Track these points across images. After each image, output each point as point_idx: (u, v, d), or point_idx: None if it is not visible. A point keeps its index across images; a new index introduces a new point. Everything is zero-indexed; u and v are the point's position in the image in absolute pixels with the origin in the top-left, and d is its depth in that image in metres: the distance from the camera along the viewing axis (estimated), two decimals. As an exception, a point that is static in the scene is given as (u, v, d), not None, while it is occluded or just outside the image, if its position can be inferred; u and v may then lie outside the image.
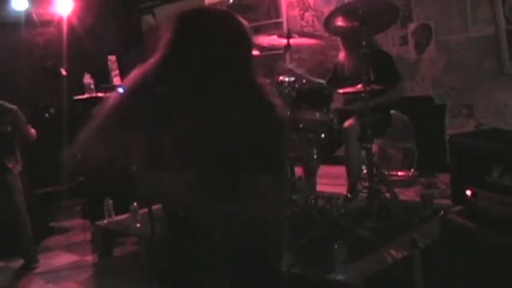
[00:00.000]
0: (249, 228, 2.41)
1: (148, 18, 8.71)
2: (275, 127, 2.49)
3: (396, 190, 4.97)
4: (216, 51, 2.43)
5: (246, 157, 2.39)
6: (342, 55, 5.59)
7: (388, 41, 6.40)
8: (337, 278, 3.63)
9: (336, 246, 3.81)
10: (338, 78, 5.48)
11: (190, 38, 2.42)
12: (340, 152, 5.43)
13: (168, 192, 2.48)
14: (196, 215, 2.41)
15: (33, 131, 6.09)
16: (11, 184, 5.88)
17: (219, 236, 2.41)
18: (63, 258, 6.15)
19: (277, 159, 2.52)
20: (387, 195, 4.84)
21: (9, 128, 5.86)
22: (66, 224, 7.40)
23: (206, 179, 2.37)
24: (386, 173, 5.39)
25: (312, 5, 7.30)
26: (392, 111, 5.63)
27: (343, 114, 5.15)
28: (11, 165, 5.86)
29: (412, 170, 6.02)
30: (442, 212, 3.69)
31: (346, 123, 5.08)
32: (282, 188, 2.60)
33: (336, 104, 5.25)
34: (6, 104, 5.95)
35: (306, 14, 7.35)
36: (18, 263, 6.05)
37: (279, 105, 2.54)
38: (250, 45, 2.57)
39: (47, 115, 7.31)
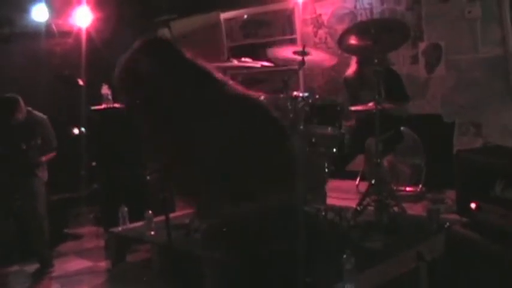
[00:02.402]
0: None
1: (164, 32, 8.88)
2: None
3: (404, 205, 5.10)
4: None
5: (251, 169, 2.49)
6: (350, 71, 5.76)
7: (399, 59, 6.52)
8: (345, 287, 3.71)
9: (344, 256, 3.90)
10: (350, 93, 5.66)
11: None
12: (351, 167, 5.57)
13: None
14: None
15: (54, 153, 6.26)
16: (37, 191, 6.04)
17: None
18: (77, 264, 6.27)
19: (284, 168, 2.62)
20: (395, 209, 4.97)
21: (39, 141, 6.03)
22: (79, 230, 7.51)
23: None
24: (395, 188, 5.50)
25: (325, 23, 7.43)
26: (402, 128, 5.77)
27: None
28: (40, 174, 6.03)
29: (420, 186, 6.13)
30: (447, 224, 3.80)
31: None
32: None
33: (348, 119, 5.39)
34: (35, 112, 6.12)
35: (320, 31, 7.48)
36: (33, 267, 6.17)
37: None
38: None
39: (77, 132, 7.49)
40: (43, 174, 6.13)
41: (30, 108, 6.12)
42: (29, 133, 6.00)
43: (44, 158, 6.10)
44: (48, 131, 6.15)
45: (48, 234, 6.20)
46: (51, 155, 6.23)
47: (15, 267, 6.24)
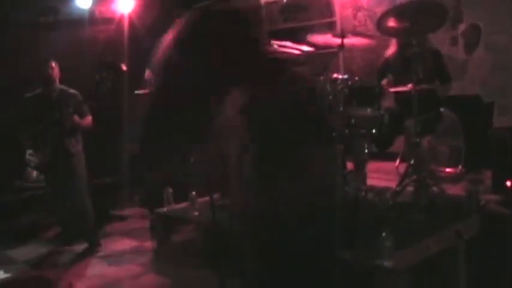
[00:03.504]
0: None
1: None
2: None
3: (443, 186, 5.15)
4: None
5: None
6: (390, 51, 5.81)
7: (438, 41, 6.54)
8: (384, 264, 3.80)
9: (383, 234, 3.98)
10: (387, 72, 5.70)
11: None
12: (392, 148, 5.62)
13: None
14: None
15: (90, 119, 6.42)
16: (74, 168, 6.24)
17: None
18: (124, 244, 6.48)
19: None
20: (434, 189, 5.03)
21: (71, 110, 6.20)
22: (125, 212, 7.73)
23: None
24: (434, 168, 5.55)
25: (364, 5, 7.46)
26: (442, 109, 5.81)
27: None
28: (72, 148, 6.23)
29: (460, 167, 6.15)
30: (483, 202, 3.85)
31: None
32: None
33: (387, 101, 5.45)
34: (68, 89, 6.34)
35: (359, 13, 7.51)
36: (80, 247, 6.41)
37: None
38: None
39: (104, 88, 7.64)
40: (76, 147, 6.31)
41: (63, 87, 6.34)
42: (61, 104, 6.20)
43: (77, 119, 6.25)
44: (81, 103, 6.34)
45: (93, 214, 6.39)
46: (86, 120, 6.39)
47: (64, 247, 6.49)
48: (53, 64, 6.25)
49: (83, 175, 6.36)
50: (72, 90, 6.37)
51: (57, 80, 6.30)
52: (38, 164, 6.41)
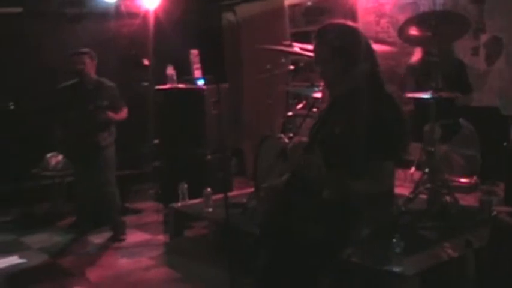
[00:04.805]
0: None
1: (228, 16, 9.05)
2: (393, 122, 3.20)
3: (457, 195, 5.16)
4: None
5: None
6: (415, 58, 5.84)
7: (459, 50, 6.54)
8: (393, 269, 3.83)
9: (394, 240, 4.02)
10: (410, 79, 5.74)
11: None
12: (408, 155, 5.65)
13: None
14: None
15: (125, 111, 6.52)
16: (105, 159, 6.36)
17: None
18: (137, 236, 6.53)
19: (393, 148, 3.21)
20: (448, 198, 5.06)
21: (106, 103, 6.29)
22: (140, 205, 7.79)
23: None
24: (448, 178, 5.57)
25: (387, 12, 7.47)
26: (459, 119, 5.82)
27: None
28: (103, 141, 6.33)
29: (474, 177, 6.15)
30: (494, 212, 3.88)
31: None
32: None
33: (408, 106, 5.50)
34: (105, 80, 6.43)
35: (381, 20, 7.52)
36: (95, 237, 6.52)
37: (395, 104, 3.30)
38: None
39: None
40: (109, 141, 6.42)
41: (101, 78, 6.43)
42: (96, 96, 6.29)
43: (111, 114, 6.36)
44: (116, 96, 6.43)
45: (120, 204, 6.56)
46: (121, 113, 6.48)
47: (79, 236, 6.58)
48: (88, 55, 6.32)
49: (113, 166, 6.49)
50: (109, 83, 6.46)
51: (93, 72, 6.38)
52: (66, 154, 6.54)
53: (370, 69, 3.39)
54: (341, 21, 3.56)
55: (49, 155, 7.51)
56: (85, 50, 6.34)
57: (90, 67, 6.32)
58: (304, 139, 3.41)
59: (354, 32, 3.41)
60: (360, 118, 3.10)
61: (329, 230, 3.15)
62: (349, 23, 3.58)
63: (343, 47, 3.32)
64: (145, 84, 7.93)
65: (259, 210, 4.80)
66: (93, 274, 5.38)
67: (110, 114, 6.32)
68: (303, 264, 3.13)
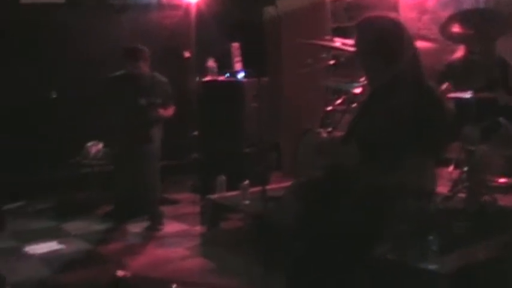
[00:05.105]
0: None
1: (270, 9, 9.05)
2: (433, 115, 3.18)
3: (495, 195, 5.12)
4: None
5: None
6: (457, 55, 5.78)
7: (503, 49, 6.46)
8: (428, 267, 3.82)
9: (430, 237, 4.01)
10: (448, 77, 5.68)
11: None
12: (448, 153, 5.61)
13: None
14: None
15: (172, 109, 6.61)
16: (153, 153, 6.45)
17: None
18: (173, 226, 6.61)
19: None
20: (486, 198, 5.02)
21: (159, 100, 6.39)
22: (177, 196, 7.86)
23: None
24: (487, 177, 5.52)
25: (429, 9, 7.41)
26: (500, 118, 5.76)
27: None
28: (153, 135, 6.42)
29: (514, 178, 6.08)
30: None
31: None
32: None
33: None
34: (158, 75, 6.49)
35: (424, 17, 7.46)
36: (133, 226, 6.62)
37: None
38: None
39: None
40: (157, 136, 6.50)
41: (154, 73, 6.49)
42: (150, 92, 6.35)
43: (162, 112, 6.45)
44: (168, 92, 6.52)
45: (160, 194, 6.68)
46: (169, 111, 6.57)
47: (121, 226, 6.69)
48: (142, 48, 6.40)
49: (158, 159, 6.59)
50: (162, 78, 6.55)
51: (147, 65, 6.45)
52: (111, 144, 6.64)
53: (412, 62, 3.38)
54: (383, 13, 3.54)
55: (89, 144, 7.64)
56: (141, 46, 6.41)
57: (145, 63, 6.39)
58: (341, 134, 3.42)
59: (396, 25, 3.39)
60: (399, 111, 3.09)
61: (366, 223, 3.16)
62: (391, 15, 3.56)
63: (385, 39, 3.30)
64: (190, 82, 7.97)
65: (295, 203, 4.80)
66: (130, 262, 5.45)
67: (161, 111, 6.42)
68: (340, 257, 3.14)
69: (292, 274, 3.37)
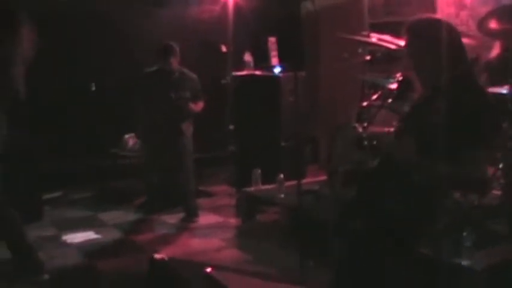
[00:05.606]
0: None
1: (307, 4, 9.06)
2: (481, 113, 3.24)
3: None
4: None
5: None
6: (493, 54, 5.75)
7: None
8: (462, 263, 3.84)
9: (464, 234, 4.02)
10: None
11: None
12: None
13: None
14: None
15: (202, 104, 6.68)
16: (184, 146, 6.53)
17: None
18: (209, 218, 6.69)
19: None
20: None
21: (188, 94, 6.48)
22: (213, 188, 7.93)
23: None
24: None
25: (468, 5, 7.37)
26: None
27: None
28: (185, 131, 6.52)
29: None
30: None
31: None
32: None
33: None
34: (188, 72, 6.60)
35: (462, 13, 7.42)
36: (168, 217, 6.71)
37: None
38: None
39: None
40: (188, 130, 6.57)
41: (183, 69, 6.59)
42: (179, 86, 6.46)
43: (192, 106, 6.54)
44: (197, 87, 6.61)
45: (194, 187, 6.73)
46: (198, 106, 6.65)
47: (156, 217, 6.79)
48: (176, 48, 6.49)
49: (191, 152, 6.65)
50: (192, 75, 6.65)
51: (177, 62, 6.55)
52: (144, 137, 6.75)
53: (463, 62, 3.44)
54: (432, 15, 3.63)
55: (127, 135, 7.74)
56: (172, 43, 6.51)
57: (175, 59, 6.48)
58: (377, 129, 3.48)
59: (448, 26, 3.45)
60: (455, 108, 3.15)
61: (419, 215, 3.23)
62: (440, 16, 3.67)
63: (439, 40, 3.35)
64: (225, 81, 8.01)
65: (333, 196, 4.85)
66: (165, 252, 5.51)
67: (191, 106, 6.50)
68: (386, 250, 3.21)
69: (338, 265, 3.44)
